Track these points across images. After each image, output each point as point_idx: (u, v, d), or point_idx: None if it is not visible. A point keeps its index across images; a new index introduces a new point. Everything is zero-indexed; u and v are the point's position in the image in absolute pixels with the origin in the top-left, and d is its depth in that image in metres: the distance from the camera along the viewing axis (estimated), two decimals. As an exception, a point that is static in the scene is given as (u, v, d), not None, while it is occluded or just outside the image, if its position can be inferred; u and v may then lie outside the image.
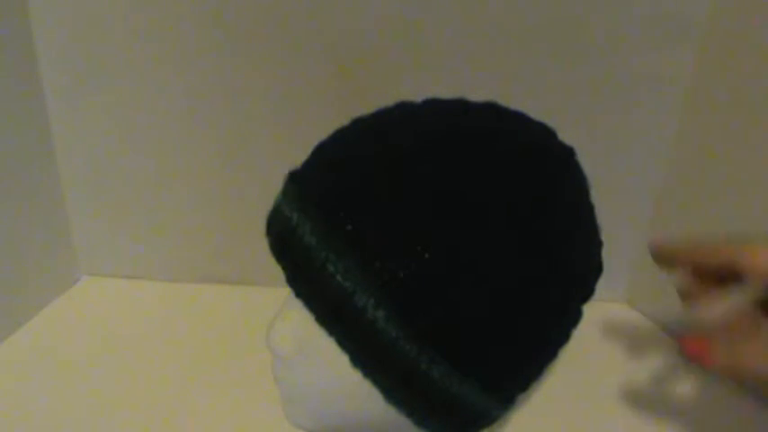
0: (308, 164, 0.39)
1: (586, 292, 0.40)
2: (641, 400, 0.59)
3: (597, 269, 0.41)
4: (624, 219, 0.70)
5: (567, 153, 0.40)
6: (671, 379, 0.62)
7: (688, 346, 0.36)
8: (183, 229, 0.75)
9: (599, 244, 0.40)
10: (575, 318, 0.39)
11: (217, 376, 0.60)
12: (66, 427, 0.52)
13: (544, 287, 0.35)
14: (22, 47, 0.65)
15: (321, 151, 0.39)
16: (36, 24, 0.65)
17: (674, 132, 0.66)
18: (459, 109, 0.40)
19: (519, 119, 0.41)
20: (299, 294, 0.35)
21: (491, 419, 0.39)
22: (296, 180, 0.38)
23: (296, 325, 0.38)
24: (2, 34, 0.62)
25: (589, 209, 0.40)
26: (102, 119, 0.69)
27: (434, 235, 0.32)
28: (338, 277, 0.33)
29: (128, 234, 0.76)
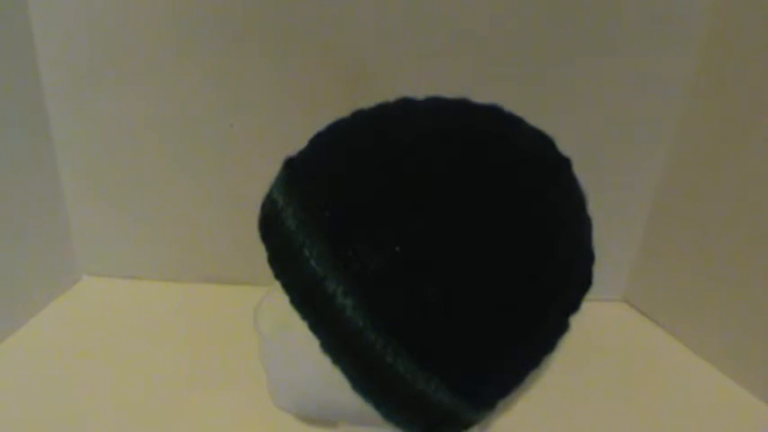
0: (302, 151, 0.40)
1: (569, 305, 0.39)
2: (640, 398, 0.59)
3: (583, 283, 0.39)
4: (623, 218, 0.71)
5: (561, 164, 0.39)
6: (670, 377, 0.62)
7: None
8: (183, 229, 0.75)
9: (588, 258, 0.39)
10: (559, 328, 0.39)
11: (217, 376, 0.60)
12: (66, 427, 0.52)
13: (516, 295, 0.34)
14: (22, 47, 0.65)
15: (316, 140, 0.40)
16: (36, 24, 0.65)
17: (674, 132, 0.66)
18: (457, 110, 0.40)
19: (517, 125, 0.40)
20: (276, 276, 0.36)
21: (464, 422, 0.38)
22: (288, 165, 0.39)
23: (277, 306, 0.38)
24: (2, 34, 0.62)
25: (579, 222, 0.39)
26: (102, 119, 0.69)
27: (408, 230, 0.33)
28: (312, 262, 0.33)
29: (128, 234, 0.76)
